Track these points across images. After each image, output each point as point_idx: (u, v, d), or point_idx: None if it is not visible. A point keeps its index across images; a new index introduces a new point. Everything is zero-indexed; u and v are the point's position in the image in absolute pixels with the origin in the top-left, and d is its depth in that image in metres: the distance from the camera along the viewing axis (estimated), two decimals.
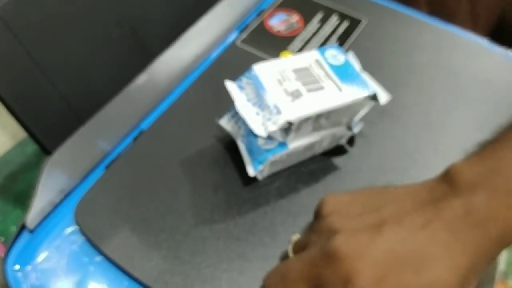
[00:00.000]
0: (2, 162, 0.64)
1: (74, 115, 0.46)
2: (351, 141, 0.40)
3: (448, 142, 0.40)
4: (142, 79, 0.42)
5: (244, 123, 0.35)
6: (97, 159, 0.39)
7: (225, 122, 0.38)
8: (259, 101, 0.33)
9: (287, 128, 0.33)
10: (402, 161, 0.39)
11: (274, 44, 0.47)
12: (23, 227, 0.35)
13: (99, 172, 0.38)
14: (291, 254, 0.31)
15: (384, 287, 0.25)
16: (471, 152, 0.29)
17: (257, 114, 0.33)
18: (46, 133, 0.43)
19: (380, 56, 0.47)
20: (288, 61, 0.35)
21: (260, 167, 0.35)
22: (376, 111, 0.39)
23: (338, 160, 0.39)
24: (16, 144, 0.67)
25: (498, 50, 0.47)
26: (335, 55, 0.36)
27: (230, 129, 0.37)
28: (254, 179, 0.37)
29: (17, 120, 0.42)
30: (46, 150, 0.44)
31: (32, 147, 0.66)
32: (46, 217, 0.36)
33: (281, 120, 0.32)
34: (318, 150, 0.38)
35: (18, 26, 0.41)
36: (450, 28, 0.50)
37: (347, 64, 0.36)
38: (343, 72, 0.35)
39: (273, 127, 0.32)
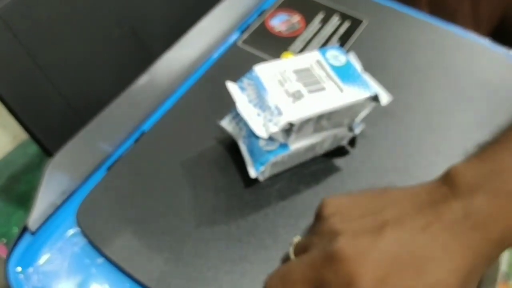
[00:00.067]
0: (4, 163, 0.64)
1: (74, 116, 0.46)
2: (352, 142, 0.40)
3: (449, 142, 0.40)
4: (143, 80, 0.42)
5: (245, 124, 0.35)
6: (99, 160, 0.39)
7: (227, 123, 0.38)
8: (260, 102, 0.33)
9: (288, 129, 0.33)
10: (404, 162, 0.39)
11: (275, 45, 0.47)
12: (25, 229, 0.35)
13: (100, 174, 0.38)
14: (292, 256, 0.31)
15: None
16: (471, 154, 0.29)
17: (258, 115, 0.33)
18: (47, 134, 0.43)
19: (382, 57, 0.46)
20: (289, 62, 0.35)
21: (262, 168, 0.35)
22: (377, 111, 0.39)
23: (339, 161, 0.39)
24: (17, 145, 0.67)
25: (500, 50, 0.47)
26: (336, 55, 0.36)
27: (232, 130, 0.37)
28: (255, 180, 0.37)
29: (18, 121, 0.42)
30: (47, 151, 0.44)
31: (34, 148, 0.66)
32: (48, 219, 0.36)
33: (282, 121, 0.32)
34: (320, 151, 0.38)
35: (19, 26, 0.41)
36: (451, 28, 0.49)
37: (348, 64, 0.36)
38: (344, 73, 0.35)
39: (274, 128, 0.32)
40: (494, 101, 0.43)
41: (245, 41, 0.47)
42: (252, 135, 0.35)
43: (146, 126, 0.41)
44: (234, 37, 0.48)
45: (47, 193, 0.36)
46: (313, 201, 0.36)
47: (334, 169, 0.39)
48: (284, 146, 0.35)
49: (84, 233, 0.35)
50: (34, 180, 0.63)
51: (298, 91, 0.33)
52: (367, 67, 0.38)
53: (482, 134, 0.33)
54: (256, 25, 0.49)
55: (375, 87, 0.35)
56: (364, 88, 0.34)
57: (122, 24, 0.49)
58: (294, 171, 0.38)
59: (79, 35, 0.46)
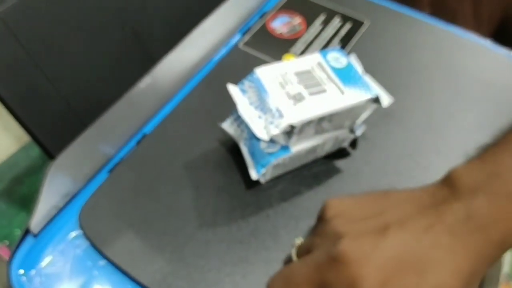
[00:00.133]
0: (6, 165, 0.65)
1: (76, 118, 0.46)
2: (353, 143, 0.40)
3: (450, 144, 0.40)
4: (144, 82, 0.42)
5: (246, 126, 0.35)
6: (101, 163, 0.39)
7: (228, 126, 0.38)
8: (261, 104, 0.33)
9: (290, 132, 0.33)
10: (405, 163, 0.39)
11: (276, 47, 0.47)
12: (27, 232, 0.35)
13: (102, 176, 0.38)
14: (294, 257, 0.31)
15: None
16: (472, 156, 0.29)
17: (260, 117, 0.33)
18: (49, 136, 0.43)
19: (383, 58, 0.46)
20: (290, 64, 0.35)
21: (263, 170, 0.35)
22: (378, 113, 0.39)
23: (340, 163, 0.39)
24: (20, 147, 0.67)
25: (501, 51, 0.47)
26: (337, 57, 0.36)
27: (233, 132, 0.38)
28: (256, 182, 0.37)
29: (20, 123, 0.42)
30: (49, 153, 0.44)
31: (36, 151, 0.66)
32: (50, 222, 0.36)
33: (284, 123, 0.32)
34: (321, 153, 0.38)
35: (20, 29, 0.41)
36: (453, 29, 0.49)
37: (349, 66, 0.36)
38: (345, 75, 0.35)
39: (275, 130, 0.32)
40: (495, 102, 0.43)
41: (246, 43, 0.47)
42: (253, 137, 0.35)
43: (148, 129, 0.41)
44: (235, 39, 0.48)
45: (49, 195, 0.36)
46: (314, 202, 0.36)
47: (335, 171, 0.39)
48: (285, 148, 0.35)
49: (86, 236, 0.35)
50: (36, 182, 0.63)
51: (299, 93, 0.33)
52: (368, 69, 0.38)
53: (483, 135, 0.33)
54: (257, 27, 0.49)
55: (376, 89, 0.35)
56: (365, 90, 0.34)
57: (124, 25, 0.49)
58: (295, 173, 0.38)
59: (81, 37, 0.46)
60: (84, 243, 0.35)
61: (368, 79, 0.36)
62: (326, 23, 0.49)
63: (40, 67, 0.43)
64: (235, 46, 0.47)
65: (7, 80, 0.41)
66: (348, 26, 0.49)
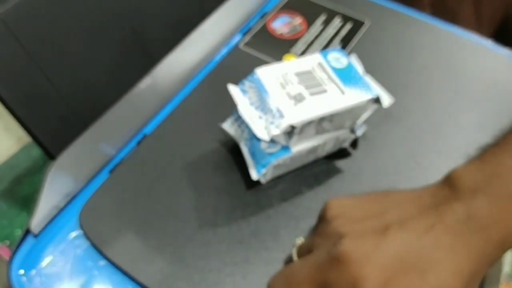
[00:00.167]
0: (7, 165, 0.65)
1: (76, 118, 0.46)
2: (354, 144, 0.40)
3: (451, 144, 0.40)
4: (145, 82, 0.42)
5: (247, 126, 0.35)
6: (101, 163, 0.39)
7: (228, 126, 0.38)
8: (262, 104, 0.33)
9: (290, 132, 0.33)
10: (406, 164, 0.39)
11: (277, 47, 0.47)
12: (27, 232, 0.35)
13: (103, 176, 0.38)
14: (295, 257, 0.31)
15: None
16: (472, 156, 0.29)
17: (260, 117, 0.33)
18: (49, 137, 0.43)
19: (384, 58, 0.46)
20: (290, 65, 0.35)
21: (263, 170, 0.35)
22: (379, 113, 0.39)
23: (341, 163, 0.39)
24: (21, 148, 0.67)
25: (502, 51, 0.47)
26: (338, 58, 0.36)
27: (233, 132, 0.38)
28: (257, 182, 0.37)
29: (20, 124, 0.42)
30: (49, 153, 0.44)
31: (37, 151, 0.66)
32: (50, 222, 0.36)
33: (284, 124, 0.32)
34: (321, 153, 0.38)
35: (21, 30, 0.42)
36: (454, 29, 0.49)
37: (350, 67, 0.36)
38: (346, 75, 0.35)
39: (276, 131, 0.32)
40: (496, 103, 0.43)
41: (247, 44, 0.47)
42: (253, 138, 0.35)
43: (148, 129, 0.41)
44: (236, 39, 0.48)
45: (50, 195, 0.36)
46: (315, 202, 0.36)
47: (336, 171, 0.39)
48: (286, 148, 0.35)
49: (87, 236, 0.35)
50: (37, 182, 0.63)
51: (300, 94, 0.33)
52: (369, 69, 0.38)
53: (484, 135, 0.33)
54: (258, 27, 0.49)
55: (376, 89, 0.35)
56: (366, 90, 0.34)
57: (124, 26, 0.49)
58: (296, 173, 0.38)
59: (81, 37, 0.46)
60: (84, 243, 0.35)
61: (368, 79, 0.36)
62: (326, 23, 0.49)
63: (40, 68, 0.43)
64: (236, 46, 0.47)
65: (8, 80, 0.41)
66: (348, 26, 0.49)
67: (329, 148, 0.38)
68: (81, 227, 0.35)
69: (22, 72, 0.42)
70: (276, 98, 0.33)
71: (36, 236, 0.35)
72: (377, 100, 0.35)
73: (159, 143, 0.40)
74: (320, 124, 0.34)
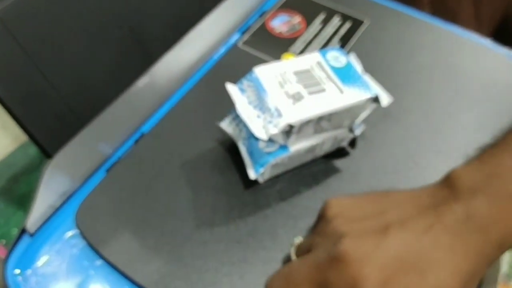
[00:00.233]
0: (4, 164, 0.65)
1: (73, 117, 0.46)
2: (352, 143, 0.40)
3: (450, 144, 0.40)
4: (143, 81, 0.42)
5: (245, 125, 0.35)
6: (98, 162, 0.39)
7: (226, 125, 0.37)
8: (260, 103, 0.33)
9: (288, 131, 0.33)
10: (404, 163, 0.39)
11: (276, 46, 0.47)
12: (23, 231, 0.35)
13: (100, 176, 0.38)
14: (293, 257, 0.31)
15: None
16: (471, 156, 0.29)
17: (258, 117, 0.33)
18: (46, 135, 0.43)
19: (383, 57, 0.46)
20: (289, 63, 0.35)
21: (261, 170, 0.35)
22: (378, 113, 0.39)
23: (339, 163, 0.39)
24: (18, 146, 0.67)
25: (502, 51, 0.47)
26: (336, 57, 0.36)
27: (231, 131, 0.37)
28: (255, 182, 0.37)
29: (17, 122, 0.42)
30: (46, 152, 0.44)
31: (34, 149, 0.66)
32: (46, 221, 0.36)
33: (282, 123, 0.32)
34: (320, 152, 0.38)
35: (18, 28, 0.41)
36: (453, 28, 0.49)
37: (348, 66, 0.36)
38: (344, 74, 0.35)
39: (274, 130, 0.32)
40: (496, 102, 0.43)
41: (245, 42, 0.47)
42: (251, 137, 0.35)
43: (146, 128, 0.41)
44: (234, 38, 0.48)
45: (46, 194, 0.35)
46: (313, 202, 0.36)
47: (334, 170, 0.38)
48: (284, 147, 0.35)
49: (83, 235, 0.35)
50: (34, 181, 0.63)
51: (298, 93, 0.33)
52: (368, 68, 0.37)
53: (483, 135, 0.33)
54: (256, 26, 0.49)
55: (375, 88, 0.35)
56: (365, 90, 0.34)
57: (122, 25, 0.49)
58: (294, 172, 0.38)
59: (79, 36, 0.46)
60: (80, 243, 0.34)
61: (367, 78, 0.36)
62: (325, 22, 0.49)
63: (38, 66, 0.43)
64: (234, 45, 0.47)
65: (5, 79, 0.41)
66: (347, 25, 0.49)
67: (327, 147, 0.38)
68: (78, 226, 0.35)
69: (19, 71, 0.42)
70: (275, 97, 0.33)
71: (32, 235, 0.35)
72: (376, 99, 0.35)
73: (157, 142, 0.40)
74: (318, 123, 0.34)
